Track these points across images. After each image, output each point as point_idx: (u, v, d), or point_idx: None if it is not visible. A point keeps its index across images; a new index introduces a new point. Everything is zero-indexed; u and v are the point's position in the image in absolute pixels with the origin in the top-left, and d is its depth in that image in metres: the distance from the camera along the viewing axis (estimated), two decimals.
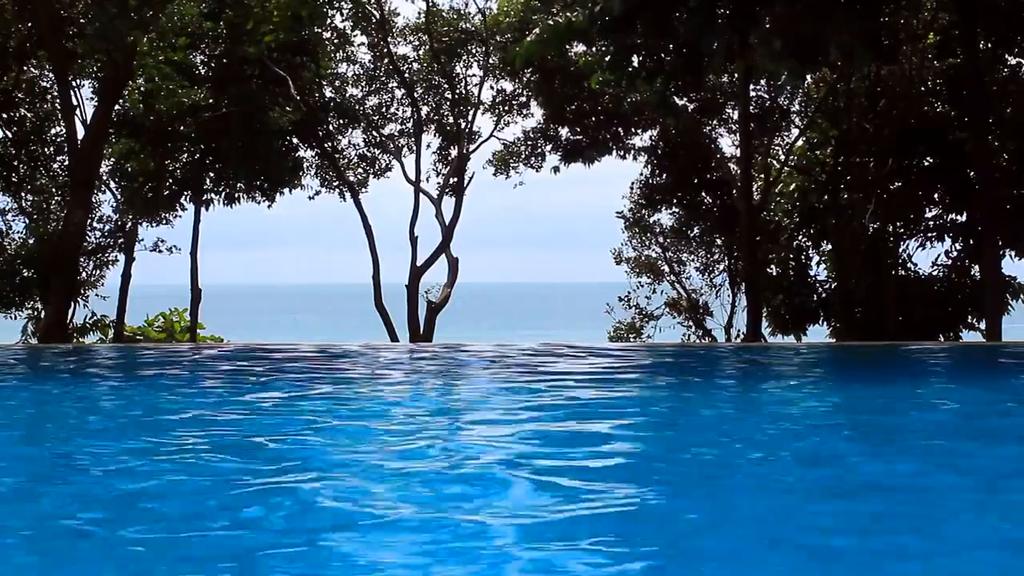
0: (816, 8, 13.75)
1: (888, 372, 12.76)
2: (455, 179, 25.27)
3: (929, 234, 21.83)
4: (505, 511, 5.55)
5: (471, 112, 25.28)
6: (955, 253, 21.70)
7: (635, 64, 15.70)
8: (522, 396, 9.90)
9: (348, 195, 24.77)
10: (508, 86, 25.20)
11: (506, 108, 25.31)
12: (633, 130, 24.20)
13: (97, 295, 22.16)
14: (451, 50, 24.70)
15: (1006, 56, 20.48)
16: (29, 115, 21.56)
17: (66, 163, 20.54)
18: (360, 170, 25.72)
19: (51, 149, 21.80)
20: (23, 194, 21.46)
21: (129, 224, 22.52)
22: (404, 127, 25.62)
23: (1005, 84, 20.53)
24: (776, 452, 7.50)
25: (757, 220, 21.97)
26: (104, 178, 22.22)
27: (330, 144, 24.85)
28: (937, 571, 4.68)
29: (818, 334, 22.83)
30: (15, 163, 21.45)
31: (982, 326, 19.79)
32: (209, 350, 14.53)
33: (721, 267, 24.92)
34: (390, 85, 25.20)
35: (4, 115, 21.09)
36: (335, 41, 24.51)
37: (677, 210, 24.82)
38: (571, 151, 24.41)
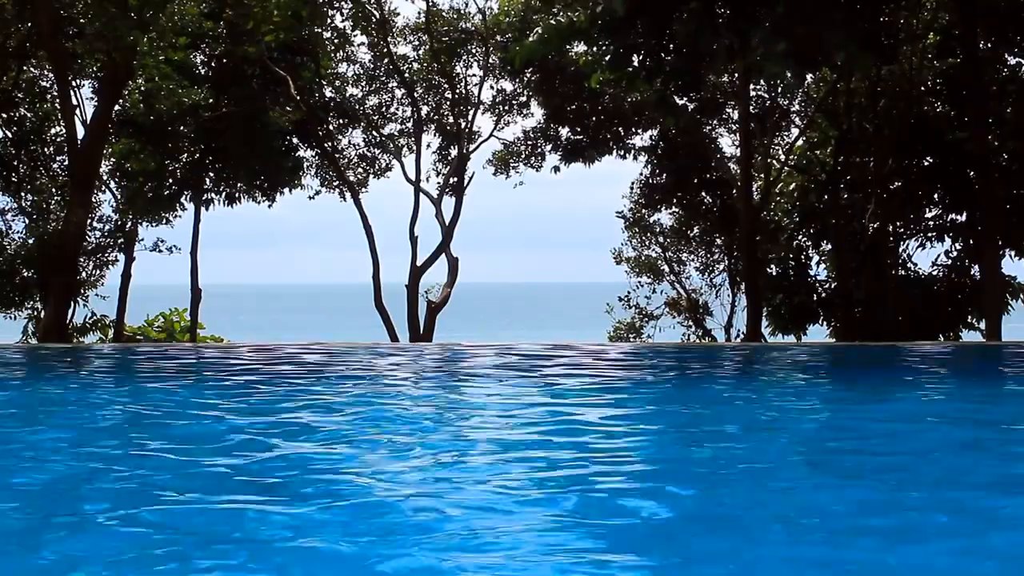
0: (814, 9, 13.74)
1: (887, 372, 12.77)
2: (455, 179, 25.29)
3: (929, 234, 21.85)
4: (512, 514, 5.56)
5: (471, 112, 25.30)
6: (955, 253, 21.72)
7: (635, 64, 15.70)
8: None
9: (348, 195, 24.79)
10: (508, 86, 25.25)
11: (506, 108, 25.33)
12: (633, 130, 24.23)
13: (97, 295, 22.16)
14: (451, 50, 24.70)
15: (1006, 56, 20.49)
16: (29, 115, 21.57)
17: (66, 163, 20.54)
18: (360, 170, 25.75)
19: (51, 149, 21.81)
20: (23, 194, 21.46)
21: (129, 224, 22.53)
22: (404, 127, 25.65)
23: (1005, 84, 20.55)
24: (776, 452, 7.51)
25: (757, 220, 21.98)
26: (104, 178, 22.24)
27: (330, 144, 24.86)
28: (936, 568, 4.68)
29: (818, 334, 22.83)
30: (15, 163, 21.46)
31: (982, 326, 19.80)
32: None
33: (721, 267, 24.95)
34: (390, 85, 25.23)
35: (4, 115, 21.10)
36: (335, 41, 24.52)
37: (677, 210, 24.85)
38: (571, 151, 24.43)
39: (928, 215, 21.95)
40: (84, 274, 21.56)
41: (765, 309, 22.29)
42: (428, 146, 25.99)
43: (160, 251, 23.33)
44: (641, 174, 24.63)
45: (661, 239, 25.38)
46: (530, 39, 21.85)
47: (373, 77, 25.14)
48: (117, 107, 20.14)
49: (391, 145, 25.60)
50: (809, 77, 21.65)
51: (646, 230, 25.39)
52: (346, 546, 4.93)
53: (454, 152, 25.42)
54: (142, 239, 23.11)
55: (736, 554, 4.88)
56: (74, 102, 20.15)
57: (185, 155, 22.99)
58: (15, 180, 21.40)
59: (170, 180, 22.68)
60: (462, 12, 24.72)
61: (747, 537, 5.16)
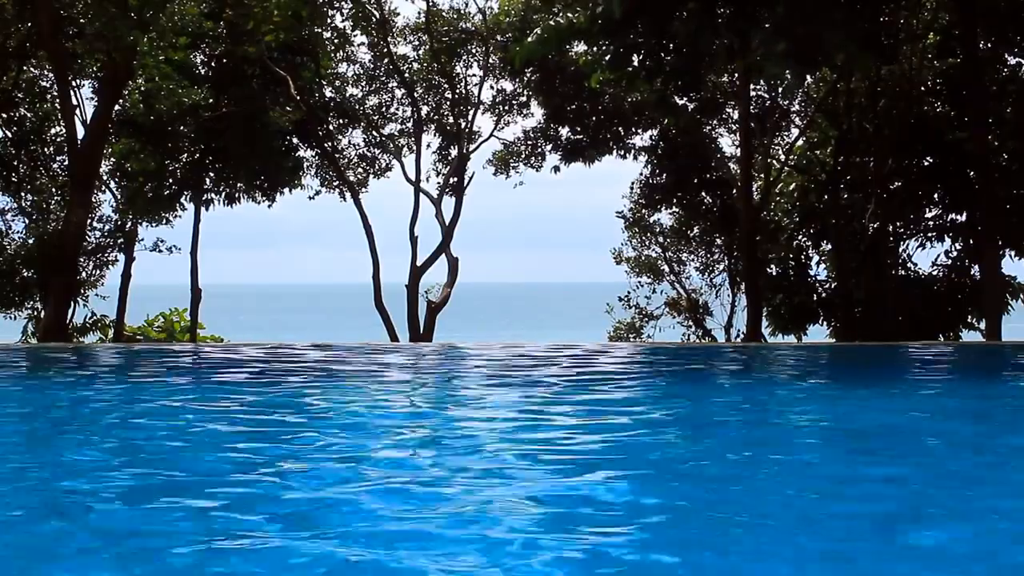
0: (814, 9, 13.74)
1: (887, 372, 12.77)
2: (455, 179, 25.28)
3: (929, 234, 21.85)
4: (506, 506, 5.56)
5: (471, 112, 25.30)
6: (955, 253, 21.72)
7: (635, 64, 15.70)
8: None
9: (348, 195, 24.78)
10: (508, 86, 25.24)
11: (506, 108, 25.32)
12: (633, 130, 24.22)
13: (97, 295, 22.16)
14: (451, 50, 24.70)
15: (1006, 56, 20.49)
16: (29, 115, 21.57)
17: (66, 163, 20.54)
18: (360, 170, 25.74)
19: (51, 149, 21.81)
20: (23, 194, 21.46)
21: (129, 224, 22.53)
22: (404, 127, 25.64)
23: (1005, 84, 20.55)
24: (778, 452, 7.51)
25: (757, 220, 21.98)
26: (104, 178, 22.24)
27: (330, 144, 24.86)
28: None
29: (818, 334, 22.84)
30: (15, 163, 21.46)
31: (982, 326, 19.80)
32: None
33: (721, 267, 24.94)
34: (390, 85, 25.22)
35: (4, 115, 21.09)
36: (335, 41, 24.51)
37: (677, 210, 24.84)
38: (571, 151, 24.43)
39: (928, 215, 21.95)
40: (84, 274, 21.55)
41: (765, 309, 22.28)
42: (428, 146, 26.03)
43: (160, 251, 23.34)
44: (641, 174, 24.64)
45: (661, 239, 25.37)
46: (529, 39, 21.82)
47: (373, 77, 25.14)
48: (117, 107, 20.14)
49: (391, 145, 25.59)
50: (809, 77, 21.63)
51: (646, 230, 25.39)
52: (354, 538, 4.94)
53: (454, 152, 25.42)
54: (142, 239, 23.14)
55: (736, 552, 4.89)
56: (74, 102, 20.16)
57: (185, 155, 22.99)
58: (15, 180, 21.40)
59: (170, 180, 22.68)
60: (462, 12, 24.73)
61: (748, 535, 5.16)
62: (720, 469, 6.79)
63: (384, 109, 25.48)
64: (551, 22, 22.29)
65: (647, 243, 25.56)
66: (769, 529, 5.30)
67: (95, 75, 20.90)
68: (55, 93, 20.19)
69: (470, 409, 9.32)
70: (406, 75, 24.78)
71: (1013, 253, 20.61)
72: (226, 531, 5.24)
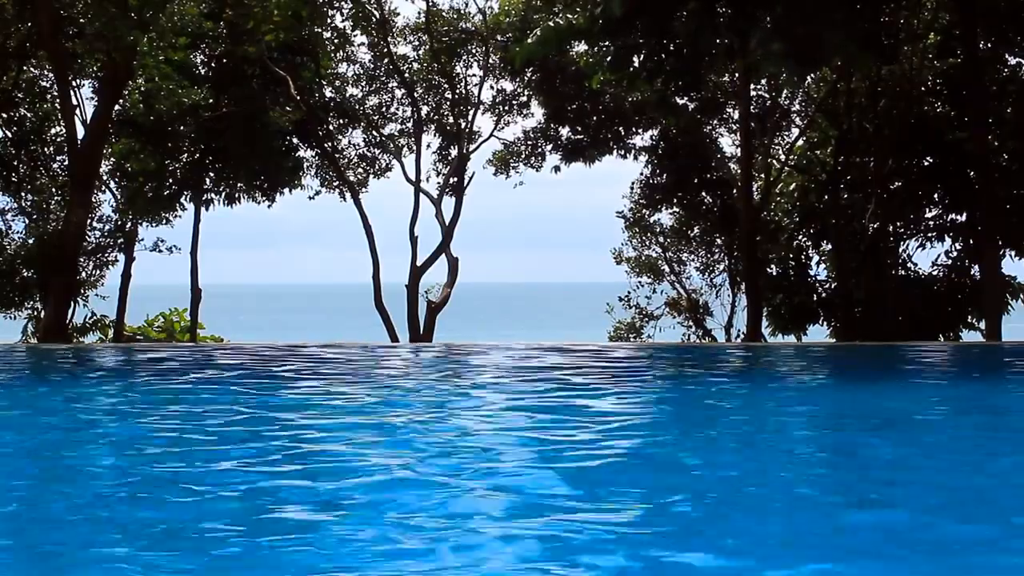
0: (814, 9, 13.74)
1: (887, 372, 12.77)
2: (455, 179, 25.27)
3: (929, 234, 21.85)
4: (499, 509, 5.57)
5: (471, 112, 25.28)
6: (955, 253, 21.72)
7: (635, 64, 15.70)
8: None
9: (348, 195, 24.77)
10: (508, 86, 25.21)
11: (506, 108, 25.30)
12: (633, 130, 24.20)
13: (97, 295, 22.15)
14: (451, 50, 24.68)
15: (1006, 56, 20.50)
16: (29, 115, 21.56)
17: (66, 163, 20.53)
18: (360, 170, 25.71)
19: (51, 149, 21.80)
20: (23, 194, 21.45)
21: (129, 224, 22.52)
22: (404, 127, 25.61)
23: (1005, 84, 20.55)
24: (779, 451, 7.51)
25: (757, 220, 21.97)
26: (104, 178, 22.23)
27: (330, 144, 24.84)
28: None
29: (818, 334, 22.84)
30: (15, 163, 21.45)
31: (982, 326, 19.80)
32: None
33: (721, 267, 24.93)
34: (390, 85, 25.19)
35: (4, 115, 21.08)
36: (335, 41, 24.50)
37: (677, 210, 24.84)
38: (571, 150, 24.41)
39: (928, 215, 21.96)
40: (84, 274, 21.54)
41: (765, 309, 22.28)
42: (428, 146, 25.98)
43: (160, 251, 23.32)
44: (641, 174, 24.63)
45: (661, 239, 25.36)
46: (529, 39, 21.80)
47: (373, 77, 25.11)
48: (117, 107, 20.13)
49: (391, 145, 25.57)
50: (809, 77, 21.63)
51: (646, 230, 25.38)
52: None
53: (454, 152, 25.39)
54: (142, 239, 23.13)
55: (737, 550, 4.89)
56: (74, 102, 20.14)
57: (185, 155, 22.98)
58: (15, 180, 21.39)
59: (170, 180, 22.67)
60: (462, 12, 24.70)
61: (748, 532, 5.17)
62: (717, 471, 6.79)
63: (384, 109, 25.46)
64: (551, 22, 22.27)
65: (647, 243, 25.55)
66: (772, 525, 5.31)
67: (95, 75, 20.89)
68: (55, 93, 20.18)
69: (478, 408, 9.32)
70: (406, 75, 24.77)
71: (1013, 253, 20.62)
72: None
